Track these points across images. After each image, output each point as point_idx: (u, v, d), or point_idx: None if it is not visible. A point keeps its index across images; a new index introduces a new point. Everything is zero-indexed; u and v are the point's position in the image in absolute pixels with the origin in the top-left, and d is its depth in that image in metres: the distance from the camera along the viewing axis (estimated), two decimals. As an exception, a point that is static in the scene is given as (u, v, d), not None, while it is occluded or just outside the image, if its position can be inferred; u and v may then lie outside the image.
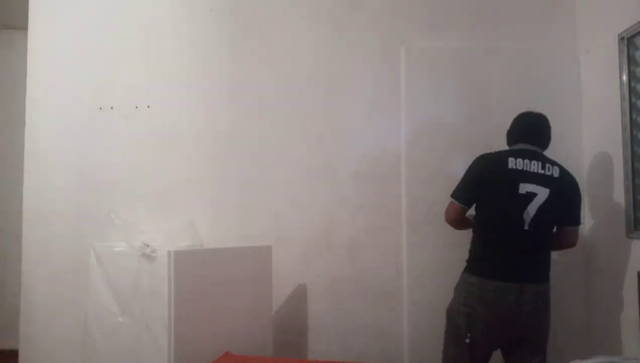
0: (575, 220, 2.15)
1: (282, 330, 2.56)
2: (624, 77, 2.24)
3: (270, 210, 2.62)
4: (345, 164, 2.64)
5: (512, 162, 2.06)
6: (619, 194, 2.26)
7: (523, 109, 2.62)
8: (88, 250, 2.45)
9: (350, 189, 2.63)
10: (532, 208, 2.01)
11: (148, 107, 2.67)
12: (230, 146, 2.66)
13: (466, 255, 2.53)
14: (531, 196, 2.02)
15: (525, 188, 2.02)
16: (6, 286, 3.32)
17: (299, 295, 2.60)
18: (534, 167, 2.05)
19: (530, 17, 2.68)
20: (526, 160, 2.06)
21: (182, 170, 2.65)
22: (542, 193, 2.02)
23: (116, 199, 2.62)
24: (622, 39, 2.24)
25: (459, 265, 2.57)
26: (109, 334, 2.36)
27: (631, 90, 2.22)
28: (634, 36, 2.20)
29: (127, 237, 2.44)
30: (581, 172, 2.58)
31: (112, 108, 2.68)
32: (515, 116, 2.27)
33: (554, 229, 2.14)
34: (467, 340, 2.03)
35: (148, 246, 2.35)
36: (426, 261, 2.57)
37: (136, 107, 2.67)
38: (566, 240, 2.18)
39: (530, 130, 2.17)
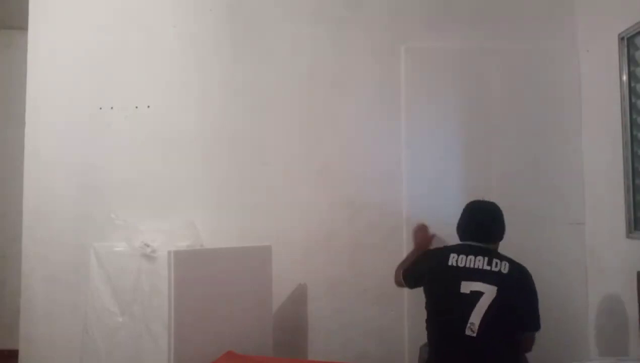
0: (532, 325, 1.87)
1: (282, 330, 2.56)
2: (624, 77, 2.24)
3: (270, 210, 2.62)
4: (345, 164, 2.64)
5: (452, 259, 1.89)
6: (619, 194, 2.26)
7: (523, 109, 2.64)
8: (88, 250, 2.45)
9: (351, 189, 2.63)
10: (478, 310, 1.78)
11: (148, 107, 2.67)
12: (230, 146, 2.66)
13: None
14: (477, 296, 1.79)
15: (468, 287, 1.82)
16: (6, 286, 3.32)
17: (299, 295, 2.60)
18: (479, 263, 1.86)
19: (530, 17, 2.68)
20: (470, 256, 1.88)
21: (182, 170, 2.65)
22: (488, 292, 1.79)
23: (116, 199, 2.62)
24: (622, 39, 2.24)
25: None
26: (109, 334, 2.36)
27: (631, 90, 2.23)
28: (634, 36, 2.20)
29: (127, 237, 2.44)
30: (581, 172, 2.59)
31: (112, 108, 2.67)
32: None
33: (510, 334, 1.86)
34: None
35: (148, 246, 2.34)
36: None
37: (136, 107, 2.67)
38: (522, 347, 1.89)
39: (474, 227, 1.98)
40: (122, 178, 2.64)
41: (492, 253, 1.90)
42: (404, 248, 2.58)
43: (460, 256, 1.89)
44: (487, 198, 2.56)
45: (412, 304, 2.56)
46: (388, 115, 2.64)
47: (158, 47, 2.69)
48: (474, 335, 1.77)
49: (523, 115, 2.62)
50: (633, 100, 2.23)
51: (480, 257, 1.87)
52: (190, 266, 2.21)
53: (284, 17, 2.70)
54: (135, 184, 2.63)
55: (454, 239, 2.52)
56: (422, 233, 2.39)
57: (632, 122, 2.22)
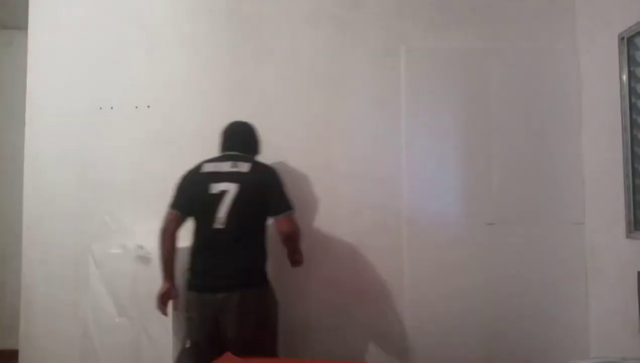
0: (278, 209, 2.12)
1: (282, 330, 2.56)
2: (624, 77, 2.24)
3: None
4: (345, 164, 2.64)
5: (205, 167, 2.15)
6: (619, 194, 2.26)
7: (523, 109, 2.64)
8: (87, 251, 2.46)
9: (351, 189, 2.62)
10: (224, 206, 2.03)
11: (148, 107, 2.67)
12: (230, 146, 2.66)
13: (466, 256, 2.54)
14: (223, 194, 2.05)
15: (216, 188, 2.07)
16: (6, 286, 3.32)
17: (299, 295, 2.59)
18: (225, 167, 2.12)
19: (530, 17, 2.68)
20: (218, 163, 2.15)
21: (182, 170, 2.64)
22: (232, 189, 2.05)
23: (116, 199, 2.62)
24: (622, 39, 2.24)
25: (459, 265, 2.58)
26: (107, 334, 2.37)
27: (631, 90, 2.22)
28: (634, 36, 2.20)
29: (123, 239, 2.45)
30: (581, 172, 2.59)
31: (112, 108, 2.68)
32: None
33: (263, 224, 2.14)
34: (187, 345, 2.09)
35: (142, 248, 2.36)
36: (426, 261, 2.57)
37: (136, 107, 2.67)
38: (281, 229, 2.13)
39: (226, 138, 2.26)
40: (122, 178, 2.64)
41: (239, 158, 2.16)
42: (404, 248, 2.58)
43: (211, 163, 2.16)
44: (487, 197, 2.59)
45: (412, 304, 2.56)
46: (388, 115, 2.64)
47: (158, 47, 2.69)
48: (223, 226, 2.02)
49: (523, 115, 2.62)
50: (633, 100, 2.22)
51: (227, 162, 2.14)
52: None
53: (284, 17, 2.70)
54: (135, 184, 2.63)
55: (456, 238, 2.52)
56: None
57: (632, 122, 2.22)
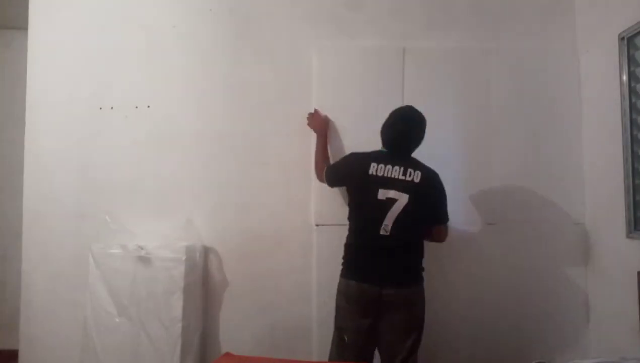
0: (442, 219, 2.20)
1: (283, 330, 2.56)
2: (624, 77, 2.24)
3: (270, 210, 2.62)
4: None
5: (373, 168, 2.09)
6: (619, 194, 2.26)
7: (523, 109, 2.64)
8: (87, 251, 2.46)
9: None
10: (391, 214, 2.03)
11: (148, 107, 2.67)
12: (230, 146, 2.66)
13: (467, 255, 2.54)
14: (391, 202, 2.04)
15: (385, 194, 2.05)
16: (6, 286, 3.32)
17: (300, 295, 2.59)
18: (395, 173, 2.07)
19: (530, 17, 2.68)
20: (388, 166, 2.08)
21: (181, 170, 2.65)
22: (402, 199, 2.04)
23: (116, 199, 2.62)
24: (622, 39, 2.24)
25: (458, 264, 2.59)
26: (107, 334, 2.37)
27: (631, 90, 2.23)
28: (634, 36, 2.20)
29: (123, 239, 2.46)
30: (581, 172, 2.59)
31: (112, 108, 2.68)
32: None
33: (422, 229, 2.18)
34: (346, 338, 2.11)
35: (142, 249, 2.36)
36: (426, 260, 2.56)
37: (136, 107, 2.67)
38: (435, 237, 2.24)
39: (398, 134, 2.13)
40: (121, 178, 2.64)
41: (408, 163, 2.10)
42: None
43: (380, 165, 2.09)
44: (487, 197, 2.59)
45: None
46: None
47: (158, 47, 2.69)
48: (387, 234, 2.04)
49: (523, 115, 2.62)
50: (633, 100, 2.23)
51: (397, 167, 2.08)
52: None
53: (284, 17, 2.70)
54: (134, 184, 2.63)
55: (453, 238, 2.52)
56: (316, 118, 2.56)
57: (632, 122, 2.22)
